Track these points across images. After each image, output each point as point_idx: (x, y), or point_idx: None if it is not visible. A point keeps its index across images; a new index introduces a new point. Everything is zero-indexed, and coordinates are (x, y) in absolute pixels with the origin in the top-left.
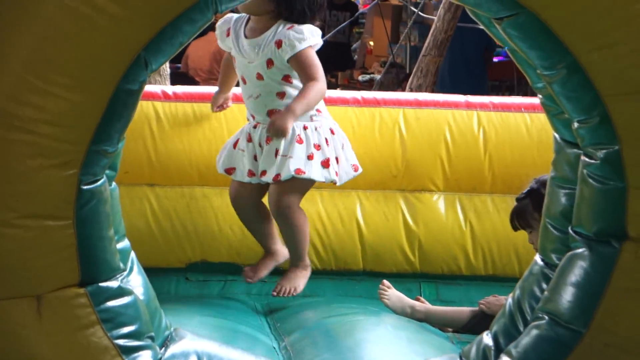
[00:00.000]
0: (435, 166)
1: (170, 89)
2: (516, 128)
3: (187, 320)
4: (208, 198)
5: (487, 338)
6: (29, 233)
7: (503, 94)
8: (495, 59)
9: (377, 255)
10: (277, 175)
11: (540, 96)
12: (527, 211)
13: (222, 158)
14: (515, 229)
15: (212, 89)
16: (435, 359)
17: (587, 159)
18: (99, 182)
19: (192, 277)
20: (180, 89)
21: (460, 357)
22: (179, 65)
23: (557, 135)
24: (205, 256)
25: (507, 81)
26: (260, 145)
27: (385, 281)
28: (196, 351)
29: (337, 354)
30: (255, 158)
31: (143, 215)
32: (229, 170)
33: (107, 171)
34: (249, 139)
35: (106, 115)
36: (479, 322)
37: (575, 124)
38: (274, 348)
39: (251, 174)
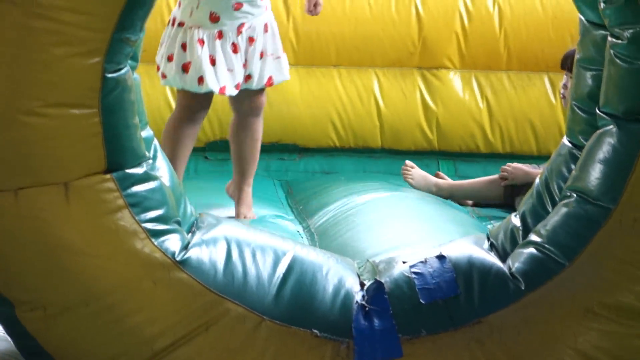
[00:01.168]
0: (451, 43)
1: None
2: (531, 4)
3: (208, 201)
4: None
5: (514, 219)
6: (54, 122)
7: None
8: None
9: (395, 132)
10: (270, 78)
11: None
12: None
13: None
14: (562, 66)
15: None
16: (463, 239)
17: (613, 40)
18: (122, 71)
19: (212, 156)
20: None
21: (488, 238)
22: None
23: (582, 17)
24: (224, 134)
25: None
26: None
27: (408, 161)
28: (225, 236)
29: (359, 232)
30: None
31: (162, 93)
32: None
33: (130, 61)
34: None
35: (129, 2)
36: (507, 195)
37: (602, 4)
38: (298, 232)
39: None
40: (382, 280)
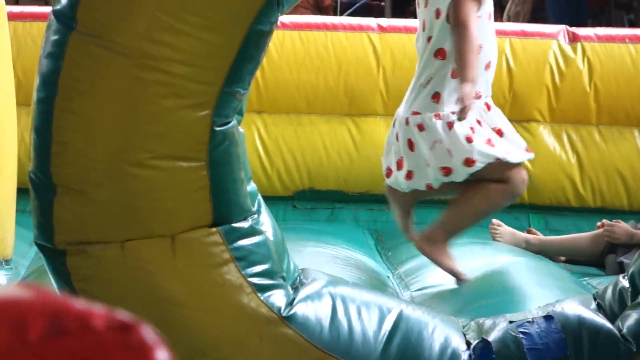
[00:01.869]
0: (542, 96)
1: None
2: (620, 59)
3: (299, 249)
4: (316, 125)
5: (623, 280)
6: (162, 174)
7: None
8: None
9: None
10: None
11: None
12: None
13: None
14: None
15: (319, 19)
16: (570, 299)
17: None
18: (230, 124)
19: (300, 205)
20: (287, 17)
21: (595, 299)
22: None
23: None
24: (312, 184)
25: (591, 9)
26: None
27: (495, 220)
28: (330, 292)
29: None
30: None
31: (252, 142)
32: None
33: (236, 115)
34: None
35: (239, 56)
36: (604, 253)
37: None
38: (388, 277)
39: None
40: (489, 339)
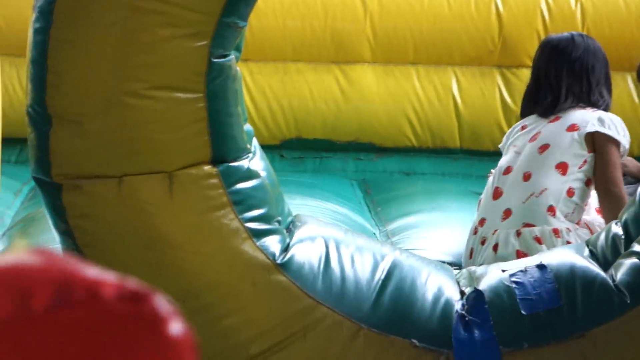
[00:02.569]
0: (532, 41)
1: None
2: (614, 3)
3: (289, 202)
4: (302, 73)
5: (616, 227)
6: (158, 104)
7: None
8: None
9: (474, 132)
10: None
11: None
12: None
13: None
14: None
15: None
16: (564, 247)
17: None
18: (228, 57)
19: (287, 154)
20: None
21: (587, 245)
22: None
23: None
24: (300, 133)
25: None
26: None
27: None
28: (322, 235)
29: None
30: None
31: None
32: None
33: (234, 51)
34: None
35: None
36: None
37: None
38: (374, 234)
39: None
40: (481, 289)
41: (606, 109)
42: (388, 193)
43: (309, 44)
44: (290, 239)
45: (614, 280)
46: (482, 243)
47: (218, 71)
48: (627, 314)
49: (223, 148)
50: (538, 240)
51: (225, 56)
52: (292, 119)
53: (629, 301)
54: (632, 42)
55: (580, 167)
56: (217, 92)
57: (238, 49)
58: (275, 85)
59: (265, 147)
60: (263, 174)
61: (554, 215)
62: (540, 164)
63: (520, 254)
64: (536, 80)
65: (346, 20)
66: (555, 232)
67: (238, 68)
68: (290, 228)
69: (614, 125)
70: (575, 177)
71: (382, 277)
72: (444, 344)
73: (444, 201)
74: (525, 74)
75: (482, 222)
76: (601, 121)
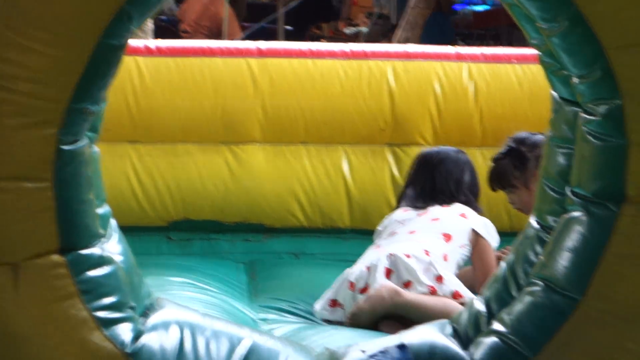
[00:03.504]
0: (425, 119)
1: (153, 43)
2: (507, 80)
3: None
4: (191, 154)
5: (478, 303)
6: (5, 195)
7: (488, 44)
8: (479, 8)
9: (364, 212)
10: None
11: (538, 52)
12: (507, 171)
13: None
14: (494, 189)
15: (196, 43)
16: (426, 325)
17: (587, 116)
18: (79, 143)
19: (175, 236)
20: (163, 43)
21: (450, 323)
22: (164, 17)
23: (555, 94)
24: (187, 214)
25: (493, 30)
26: None
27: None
28: (177, 321)
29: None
30: None
31: (124, 173)
32: None
33: (89, 133)
34: None
35: (87, 71)
36: None
37: (575, 80)
38: (253, 321)
39: None
40: None
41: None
42: (273, 280)
43: (199, 124)
44: (144, 326)
45: (472, 359)
46: (385, 271)
47: (68, 158)
48: None
49: (73, 236)
50: (407, 256)
51: (75, 142)
52: (179, 200)
53: None
54: (525, 119)
55: (460, 247)
56: (67, 179)
57: (94, 130)
58: (163, 167)
59: (152, 229)
60: (118, 258)
61: (428, 255)
62: (428, 227)
63: (386, 270)
64: (422, 183)
65: (236, 99)
66: (426, 252)
67: (97, 149)
68: (147, 313)
69: (494, 234)
70: (453, 250)
71: None
72: None
73: (329, 285)
74: (416, 152)
75: (390, 255)
76: (487, 227)
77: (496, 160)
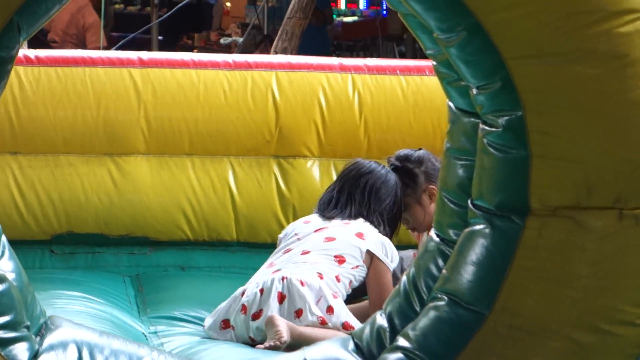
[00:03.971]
0: (310, 131)
1: (33, 52)
2: (391, 91)
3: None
4: (74, 166)
5: (380, 318)
6: None
7: (357, 55)
8: (349, 19)
9: (250, 224)
10: None
11: (433, 63)
12: None
13: None
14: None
15: (77, 53)
16: (329, 341)
17: (487, 127)
18: None
19: (58, 250)
20: (43, 52)
21: (352, 339)
22: None
23: (452, 105)
24: (71, 227)
25: (361, 41)
26: None
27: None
28: (75, 340)
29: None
30: None
31: (6, 185)
32: None
33: None
34: None
35: None
36: None
37: (474, 91)
38: (143, 335)
39: None
40: None
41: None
42: (160, 292)
43: (81, 135)
44: (41, 346)
45: None
46: (278, 296)
47: None
48: None
49: None
50: (301, 283)
51: None
52: (62, 213)
53: None
54: (409, 131)
55: (353, 268)
56: None
57: None
58: (45, 179)
59: (35, 243)
60: (11, 276)
61: (321, 278)
62: (321, 249)
63: (279, 295)
64: (331, 190)
65: (119, 110)
66: (320, 275)
67: None
68: (42, 332)
69: (391, 253)
70: (346, 272)
71: None
72: None
73: (215, 300)
74: (302, 164)
75: (248, 284)
76: (384, 248)
77: None
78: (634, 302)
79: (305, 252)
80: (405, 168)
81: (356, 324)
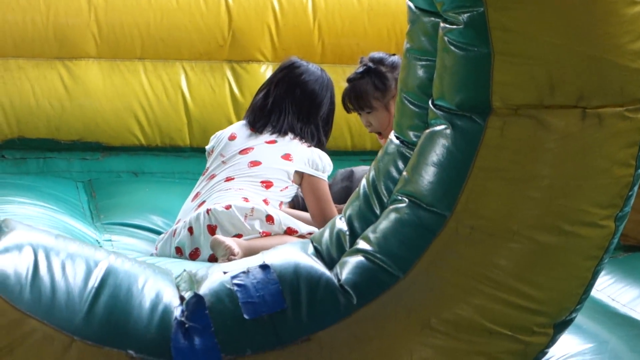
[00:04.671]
0: (263, 36)
1: None
2: None
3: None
4: (24, 70)
5: (340, 222)
6: None
7: None
8: None
9: (204, 129)
10: None
11: None
12: (367, 92)
13: None
14: (348, 110)
15: None
16: (289, 245)
17: (447, 25)
18: None
19: (9, 155)
20: None
21: (312, 243)
22: None
23: (411, 4)
24: (22, 132)
25: None
26: None
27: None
28: (30, 243)
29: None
30: None
31: None
32: None
33: None
34: None
35: None
36: None
37: None
38: (97, 241)
39: None
40: (202, 293)
41: (321, 147)
42: (113, 198)
43: (31, 39)
44: None
45: (339, 280)
46: (208, 228)
47: None
48: (353, 315)
49: None
50: (227, 207)
51: None
52: (13, 118)
53: (355, 302)
54: (364, 36)
55: (281, 190)
56: None
57: None
58: None
59: None
60: None
61: (247, 202)
62: (246, 175)
63: (209, 228)
64: (265, 96)
65: (69, 14)
66: (246, 200)
67: None
68: None
69: (323, 165)
70: (274, 195)
71: (96, 285)
72: (163, 354)
73: (170, 205)
74: (256, 69)
75: (178, 222)
76: (313, 163)
77: (354, 79)
78: (597, 202)
79: (229, 179)
80: (378, 70)
81: (300, 227)
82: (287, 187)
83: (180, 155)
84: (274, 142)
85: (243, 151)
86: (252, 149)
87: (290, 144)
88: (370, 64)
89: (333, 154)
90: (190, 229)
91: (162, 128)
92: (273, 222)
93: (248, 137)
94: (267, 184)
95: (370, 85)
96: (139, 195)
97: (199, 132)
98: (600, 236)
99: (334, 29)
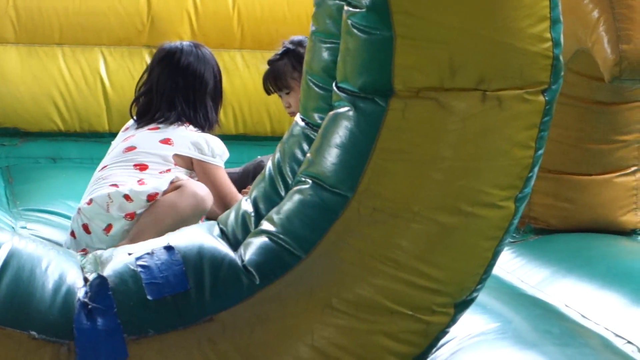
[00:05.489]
0: (182, 21)
1: None
2: None
3: None
4: None
5: (245, 204)
6: None
7: None
8: None
9: (123, 115)
10: None
11: None
12: (286, 72)
13: None
14: (268, 92)
15: None
16: (194, 227)
17: (351, 9)
18: None
19: None
20: None
21: (218, 224)
22: None
23: None
24: None
25: None
26: None
27: None
28: None
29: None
30: None
31: None
32: None
33: None
34: None
35: None
36: None
37: None
38: (12, 228)
39: None
40: (106, 274)
41: (210, 128)
42: (30, 184)
43: None
44: None
45: (242, 261)
46: (83, 228)
47: None
48: (256, 296)
49: None
50: (88, 203)
51: None
52: None
53: (257, 282)
54: (283, 22)
55: (161, 173)
56: None
57: None
58: None
59: None
60: None
61: (116, 187)
62: (119, 160)
63: (84, 227)
64: (148, 96)
65: None
66: (115, 185)
67: None
68: None
69: (211, 149)
70: (153, 176)
71: None
72: (66, 335)
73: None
74: None
75: (79, 210)
76: (199, 147)
77: (273, 61)
78: (496, 183)
79: (104, 167)
80: (297, 52)
81: (158, 187)
82: (169, 170)
83: (99, 141)
84: (156, 128)
85: (125, 139)
86: (133, 136)
87: (174, 130)
88: (290, 46)
89: (253, 139)
90: (72, 233)
91: (81, 114)
92: (131, 199)
93: (135, 127)
94: (142, 167)
95: (288, 65)
96: (56, 181)
97: (118, 118)
98: (500, 217)
99: (253, 14)
